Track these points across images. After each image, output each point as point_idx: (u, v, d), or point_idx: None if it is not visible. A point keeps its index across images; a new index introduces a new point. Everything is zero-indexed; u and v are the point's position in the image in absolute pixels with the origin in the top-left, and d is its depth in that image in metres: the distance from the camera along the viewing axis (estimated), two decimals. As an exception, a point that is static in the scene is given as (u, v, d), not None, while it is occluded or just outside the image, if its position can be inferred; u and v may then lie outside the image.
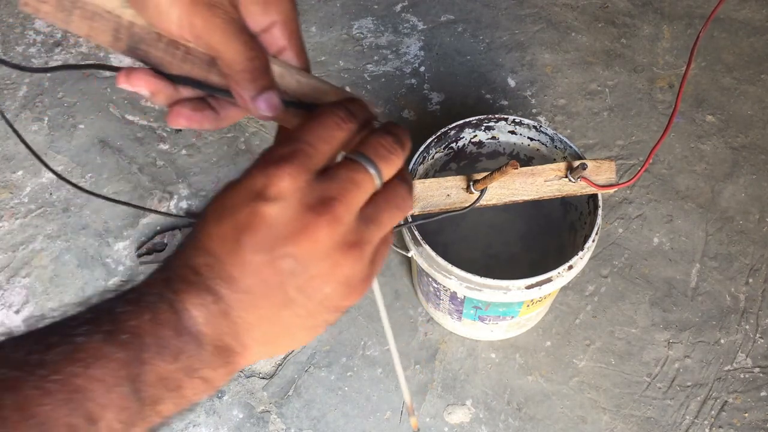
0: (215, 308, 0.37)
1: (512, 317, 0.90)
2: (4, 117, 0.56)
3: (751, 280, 1.04)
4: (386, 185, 0.41)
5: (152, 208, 1.09)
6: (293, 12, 0.43)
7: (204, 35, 0.40)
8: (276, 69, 0.43)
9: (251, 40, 0.41)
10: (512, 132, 0.91)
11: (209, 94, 0.44)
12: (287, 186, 0.38)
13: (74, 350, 0.33)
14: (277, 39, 0.43)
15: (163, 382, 0.35)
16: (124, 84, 0.42)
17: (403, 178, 0.42)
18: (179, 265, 0.38)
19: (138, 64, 0.43)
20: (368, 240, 0.40)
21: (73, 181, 1.12)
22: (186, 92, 0.44)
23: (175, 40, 0.41)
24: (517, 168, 0.68)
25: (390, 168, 0.41)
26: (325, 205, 0.38)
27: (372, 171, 0.40)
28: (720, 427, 0.94)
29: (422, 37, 1.27)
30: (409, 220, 0.81)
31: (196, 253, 0.38)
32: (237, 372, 0.39)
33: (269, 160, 0.39)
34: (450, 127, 0.88)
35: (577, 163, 0.75)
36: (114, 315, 0.36)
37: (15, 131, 0.55)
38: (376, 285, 0.51)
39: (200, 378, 0.36)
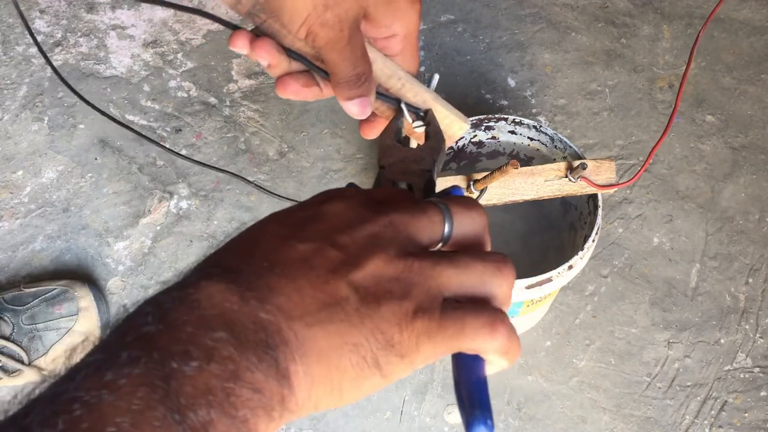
0: (249, 294, 0.29)
1: (512, 317, 0.90)
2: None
3: (751, 280, 1.04)
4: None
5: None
6: (415, 27, 0.47)
7: (322, 51, 0.44)
8: (386, 70, 0.48)
9: (361, 58, 0.45)
10: (512, 132, 0.91)
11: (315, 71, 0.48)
12: (345, 193, 0.35)
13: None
14: (394, 46, 0.47)
15: (204, 394, 0.26)
16: (243, 49, 0.45)
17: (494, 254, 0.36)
18: (196, 269, 0.31)
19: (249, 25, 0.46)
20: (417, 257, 0.33)
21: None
22: (295, 65, 0.47)
23: None
24: (517, 167, 0.68)
25: (465, 224, 0.35)
26: (380, 208, 0.33)
27: (443, 209, 0.34)
28: (720, 426, 0.94)
29: (422, 37, 1.27)
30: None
31: (224, 253, 0.32)
32: (299, 405, 0.30)
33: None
34: (450, 127, 0.88)
35: (577, 162, 0.75)
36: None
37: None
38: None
39: (251, 387, 0.27)
